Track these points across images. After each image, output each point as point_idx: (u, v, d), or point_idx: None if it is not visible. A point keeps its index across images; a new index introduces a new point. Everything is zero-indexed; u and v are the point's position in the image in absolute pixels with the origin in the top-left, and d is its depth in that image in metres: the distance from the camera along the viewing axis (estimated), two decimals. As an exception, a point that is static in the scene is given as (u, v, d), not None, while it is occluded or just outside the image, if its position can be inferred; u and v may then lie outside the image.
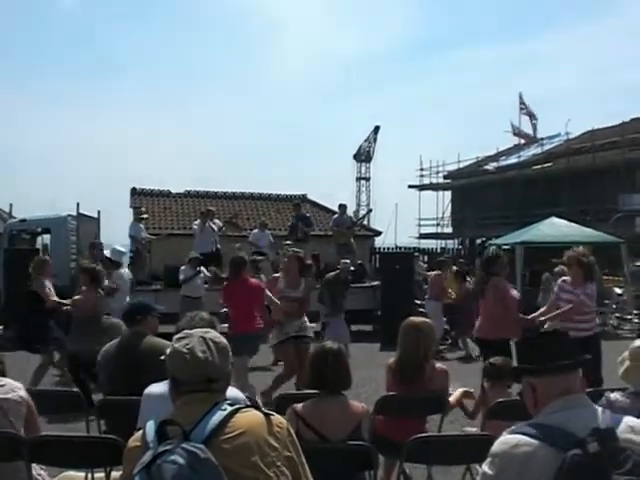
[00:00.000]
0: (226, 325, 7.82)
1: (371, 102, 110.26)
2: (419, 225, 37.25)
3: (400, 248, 25.71)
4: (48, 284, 8.31)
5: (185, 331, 2.26)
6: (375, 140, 47.57)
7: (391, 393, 4.50)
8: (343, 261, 11.55)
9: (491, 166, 35.20)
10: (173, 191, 22.26)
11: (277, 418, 2.19)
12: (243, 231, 16.46)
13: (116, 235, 15.56)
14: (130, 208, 18.92)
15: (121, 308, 7.12)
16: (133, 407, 3.28)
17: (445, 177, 37.51)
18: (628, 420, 2.05)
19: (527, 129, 37.80)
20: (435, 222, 36.67)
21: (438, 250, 27.97)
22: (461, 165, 36.08)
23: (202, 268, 11.65)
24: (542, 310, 7.37)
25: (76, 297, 7.75)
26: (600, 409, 2.07)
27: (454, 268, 13.29)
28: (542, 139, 35.47)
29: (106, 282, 8.63)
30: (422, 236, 36.70)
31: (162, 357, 2.22)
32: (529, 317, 7.06)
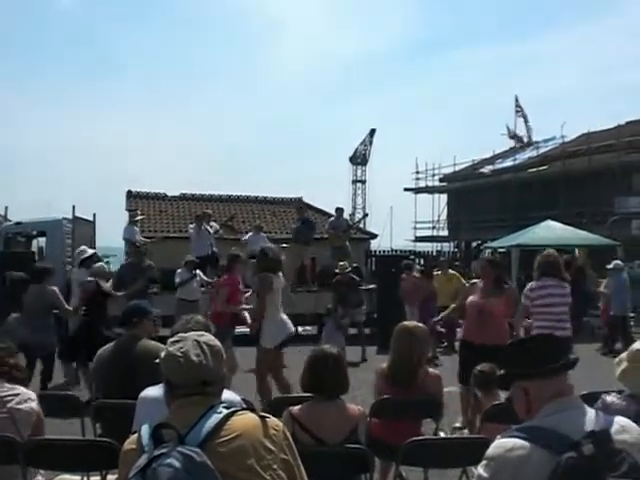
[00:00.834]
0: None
1: (371, 102, 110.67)
2: (415, 228, 37.20)
3: (396, 251, 25.70)
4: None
5: (179, 334, 2.26)
6: (371, 143, 47.55)
7: (386, 396, 4.48)
8: (341, 264, 11.58)
9: (487, 169, 35.25)
10: (169, 194, 22.26)
11: (273, 421, 2.18)
12: (239, 234, 16.45)
13: (111, 238, 15.54)
14: (125, 211, 18.91)
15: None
16: (128, 410, 3.28)
17: (441, 180, 37.47)
18: (619, 420, 2.05)
19: (522, 132, 37.96)
20: (431, 225, 36.66)
21: (434, 253, 27.96)
22: (457, 168, 36.07)
23: (198, 271, 11.64)
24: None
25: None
26: (593, 411, 2.07)
27: (450, 271, 13.33)
28: (537, 142, 35.55)
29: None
30: (418, 239, 36.60)
31: (157, 360, 2.22)
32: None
